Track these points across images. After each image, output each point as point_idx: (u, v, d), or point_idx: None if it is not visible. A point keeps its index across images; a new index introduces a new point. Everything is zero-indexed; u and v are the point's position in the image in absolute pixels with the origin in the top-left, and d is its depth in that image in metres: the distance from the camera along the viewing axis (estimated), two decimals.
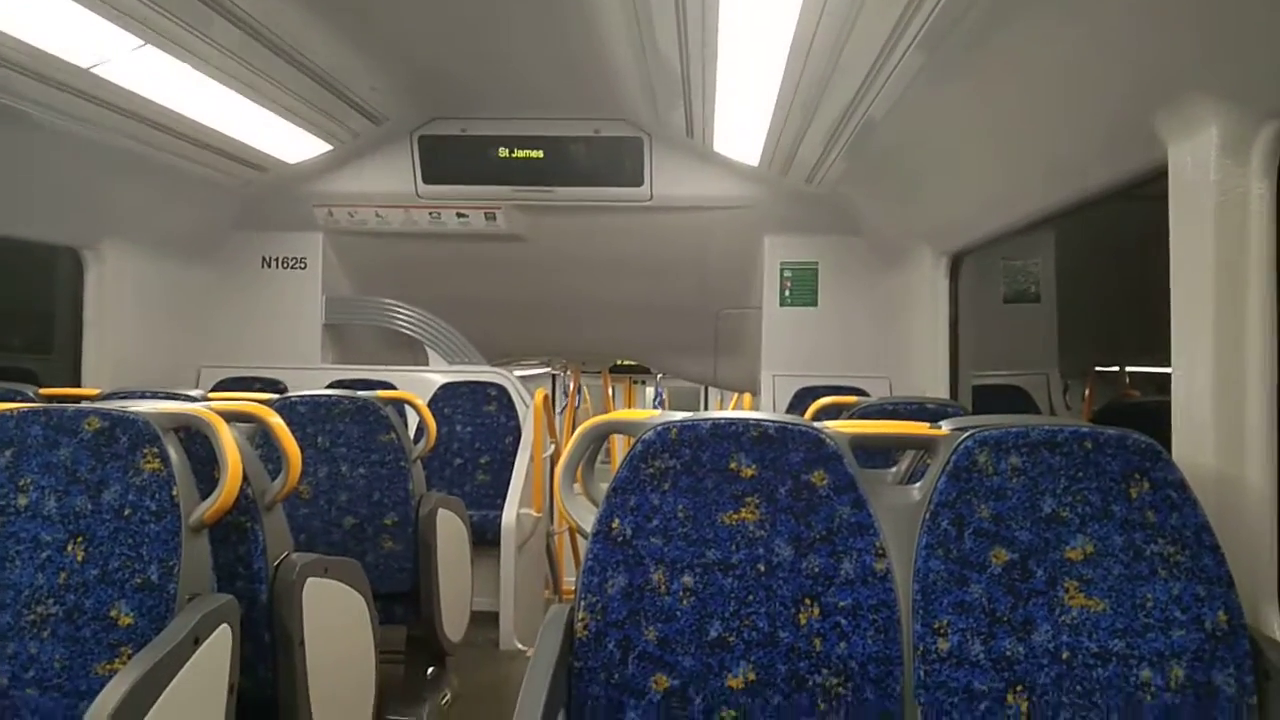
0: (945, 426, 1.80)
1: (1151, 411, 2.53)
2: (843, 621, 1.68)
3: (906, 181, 4.23)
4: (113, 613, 1.94)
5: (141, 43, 3.24)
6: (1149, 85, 2.14)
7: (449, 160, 5.43)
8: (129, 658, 1.89)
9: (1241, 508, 1.89)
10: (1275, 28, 1.74)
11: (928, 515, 1.70)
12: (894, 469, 2.36)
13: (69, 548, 1.99)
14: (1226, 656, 1.61)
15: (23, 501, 2.03)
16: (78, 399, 3.50)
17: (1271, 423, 1.90)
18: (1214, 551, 1.65)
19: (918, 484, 1.79)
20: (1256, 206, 1.91)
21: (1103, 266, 5.21)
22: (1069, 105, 2.62)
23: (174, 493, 2.00)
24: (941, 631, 1.65)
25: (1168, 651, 1.61)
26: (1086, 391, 7.02)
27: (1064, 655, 1.63)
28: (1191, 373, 2.04)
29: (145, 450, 2.02)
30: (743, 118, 4.26)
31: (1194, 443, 2.01)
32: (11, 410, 2.10)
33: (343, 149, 5.14)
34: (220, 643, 1.98)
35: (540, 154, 5.36)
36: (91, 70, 3.35)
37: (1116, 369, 7.38)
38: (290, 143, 4.79)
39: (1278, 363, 1.90)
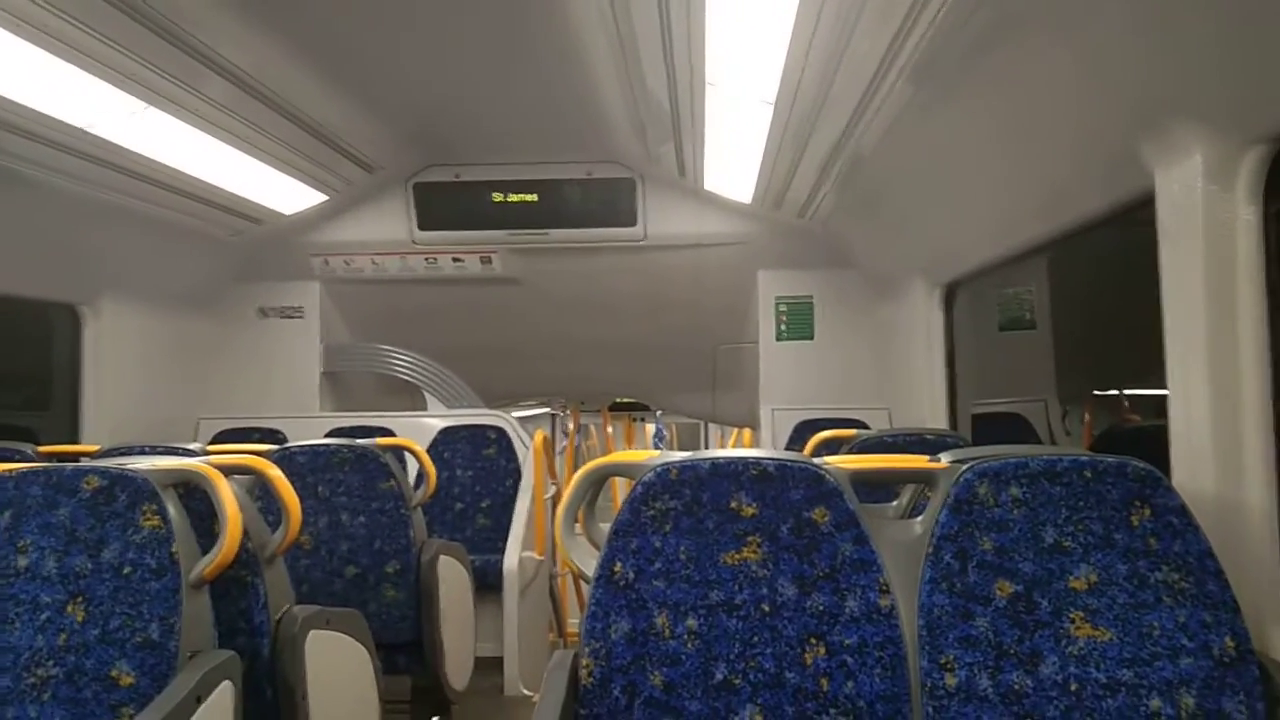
0: (944, 459, 1.80)
1: (1152, 436, 2.52)
2: (849, 660, 1.67)
3: (898, 214, 4.26)
4: (114, 673, 1.93)
5: (143, 105, 3.28)
6: (1134, 113, 2.16)
7: (444, 206, 5.47)
8: (131, 718, 1.87)
9: (1243, 531, 1.89)
10: (1257, 54, 1.76)
11: (930, 549, 1.69)
12: (895, 503, 2.35)
13: (69, 608, 1.98)
14: (1236, 683, 1.60)
15: (22, 563, 2.02)
16: (76, 456, 3.50)
17: (1269, 445, 1.89)
18: (1218, 577, 1.64)
19: (919, 518, 1.79)
20: (1244, 231, 1.92)
21: (1098, 290, 5.21)
22: (1056, 135, 2.64)
23: (174, 550, 1.99)
24: (948, 667, 1.64)
25: (1176, 680, 1.60)
26: (1085, 417, 7.00)
27: (1073, 687, 1.62)
28: (1187, 398, 2.04)
29: (144, 508, 2.01)
30: (733, 155, 4.30)
31: (1193, 468, 2.01)
32: (11, 471, 2.10)
33: (338, 198, 5.18)
34: (222, 700, 1.96)
35: (534, 197, 5.40)
36: (88, 130, 3.38)
37: (1115, 393, 7.36)
38: (285, 194, 4.82)
39: (1272, 385, 1.90)
